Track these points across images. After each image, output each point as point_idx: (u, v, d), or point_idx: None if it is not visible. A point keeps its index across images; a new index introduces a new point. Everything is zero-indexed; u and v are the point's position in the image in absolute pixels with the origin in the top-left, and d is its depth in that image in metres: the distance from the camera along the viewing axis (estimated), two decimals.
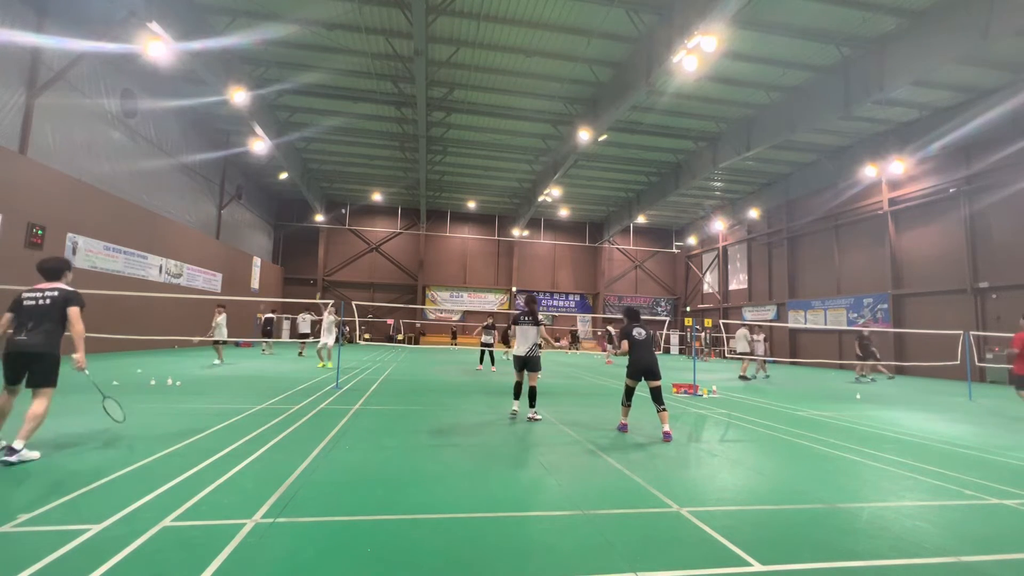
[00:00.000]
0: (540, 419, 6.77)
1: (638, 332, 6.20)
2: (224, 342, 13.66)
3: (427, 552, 2.70)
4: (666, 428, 5.79)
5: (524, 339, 6.73)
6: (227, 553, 2.57)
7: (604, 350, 26.27)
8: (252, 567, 2.46)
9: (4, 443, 4.13)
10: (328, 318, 13.32)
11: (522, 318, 6.83)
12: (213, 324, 13.68)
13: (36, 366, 4.13)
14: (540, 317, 6.93)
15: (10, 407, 4.19)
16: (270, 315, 19.45)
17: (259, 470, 4.04)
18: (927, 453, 5.63)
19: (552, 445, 5.38)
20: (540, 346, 6.79)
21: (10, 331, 4.20)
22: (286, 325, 31.59)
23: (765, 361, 16.22)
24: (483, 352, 14.89)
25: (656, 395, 6.00)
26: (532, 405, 6.82)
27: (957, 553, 2.91)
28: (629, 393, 6.20)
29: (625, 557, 2.70)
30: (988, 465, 5.16)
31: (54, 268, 4.40)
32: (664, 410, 5.91)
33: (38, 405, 4.09)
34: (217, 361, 13.63)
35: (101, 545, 2.60)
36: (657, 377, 6.00)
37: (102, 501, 3.22)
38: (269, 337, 19.04)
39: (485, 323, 15.00)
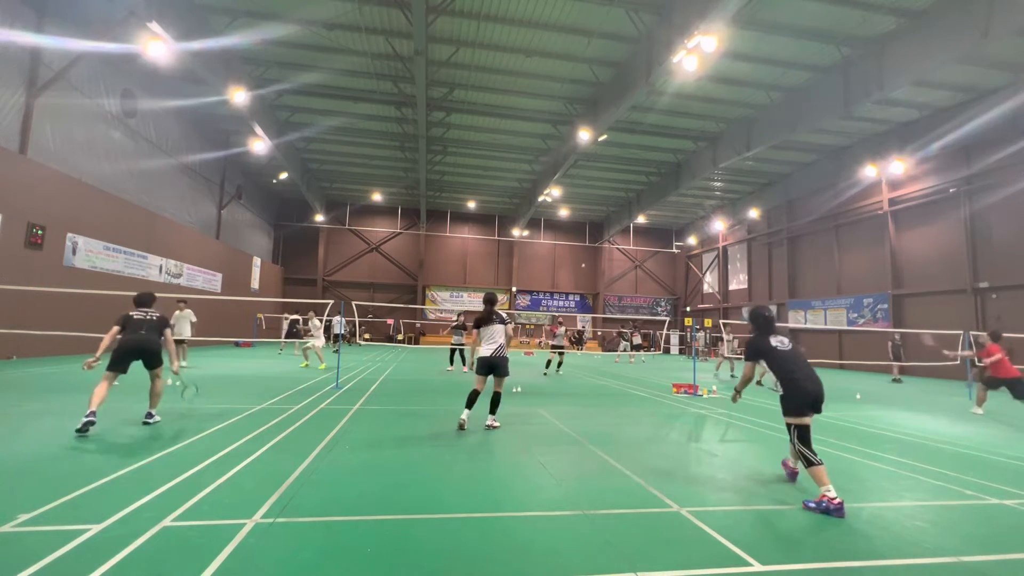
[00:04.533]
0: (499, 427, 6.11)
1: (780, 342, 4.19)
2: (186, 342, 12.43)
3: (427, 552, 2.70)
4: (791, 463, 4.31)
5: (488, 340, 6.05)
6: (227, 553, 2.57)
7: (615, 349, 26.43)
8: (252, 567, 2.46)
9: (153, 415, 5.79)
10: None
11: (487, 317, 6.12)
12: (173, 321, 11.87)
13: (151, 356, 5.76)
14: (504, 315, 6.26)
15: (107, 392, 5.35)
16: (295, 317, 19.60)
17: (259, 470, 4.04)
18: (927, 453, 5.63)
19: (552, 445, 5.38)
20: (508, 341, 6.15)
21: (124, 334, 5.66)
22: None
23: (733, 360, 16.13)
24: (453, 352, 14.73)
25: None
26: (493, 412, 6.12)
27: (957, 553, 2.91)
28: (806, 440, 3.81)
29: (625, 557, 2.70)
30: (988, 465, 5.16)
31: (149, 300, 6.11)
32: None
33: (158, 384, 5.84)
34: (184, 363, 12.28)
35: (101, 545, 2.60)
36: (820, 410, 3.93)
37: (102, 501, 3.22)
38: (297, 337, 19.09)
39: (454, 323, 14.89)
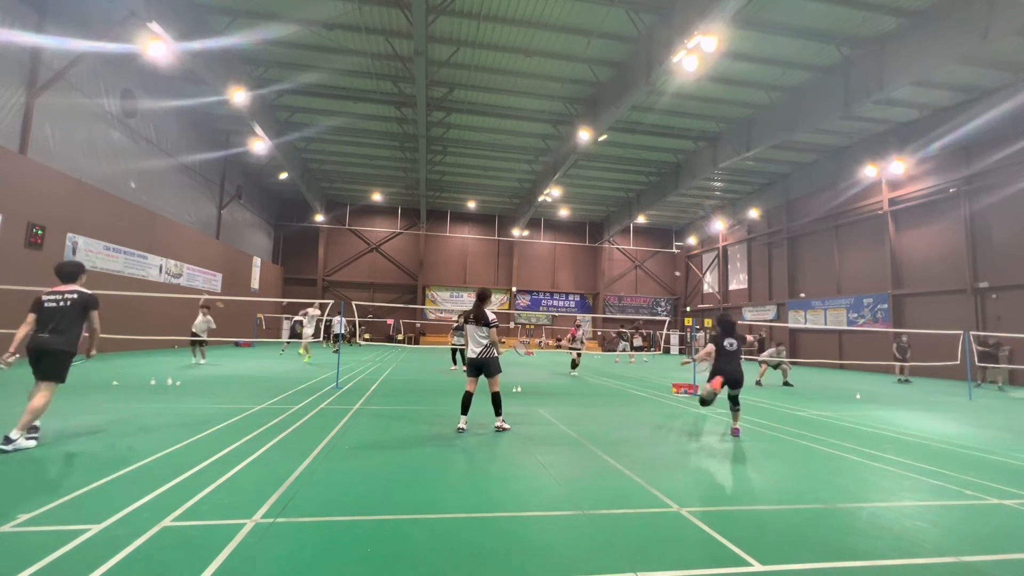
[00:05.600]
0: (509, 428, 5.97)
1: (729, 343, 6.31)
2: (205, 342, 13.64)
3: (427, 552, 2.70)
4: (736, 425, 6.28)
5: (474, 340, 5.92)
6: (227, 553, 2.57)
7: (614, 349, 26.73)
8: (252, 567, 2.46)
9: (13, 439, 4.31)
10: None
11: (470, 317, 5.98)
12: (206, 324, 13.55)
13: (48, 360, 4.53)
14: (492, 316, 5.98)
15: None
16: (298, 318, 19.68)
17: (259, 470, 4.04)
18: (927, 453, 5.63)
19: (552, 445, 5.38)
20: (495, 345, 5.95)
21: (33, 330, 4.59)
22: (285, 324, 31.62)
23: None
24: (454, 352, 14.87)
25: (734, 400, 6.33)
26: (498, 413, 5.99)
27: (957, 553, 2.91)
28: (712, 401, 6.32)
29: (625, 557, 2.70)
30: (988, 465, 5.16)
31: (71, 272, 4.85)
32: (738, 410, 6.35)
33: (40, 399, 4.47)
34: (203, 360, 13.54)
35: (101, 545, 2.60)
36: (739, 386, 6.29)
37: (102, 501, 3.22)
38: (300, 338, 19.12)
39: (455, 324, 14.98)
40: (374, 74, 17.77)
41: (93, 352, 5.03)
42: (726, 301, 32.69)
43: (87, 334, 4.90)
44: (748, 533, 3.09)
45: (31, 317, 4.55)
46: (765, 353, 14.01)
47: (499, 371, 5.98)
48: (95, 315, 4.82)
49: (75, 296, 4.69)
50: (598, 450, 5.18)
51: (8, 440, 4.21)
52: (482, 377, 5.98)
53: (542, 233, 37.22)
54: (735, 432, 6.18)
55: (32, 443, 4.42)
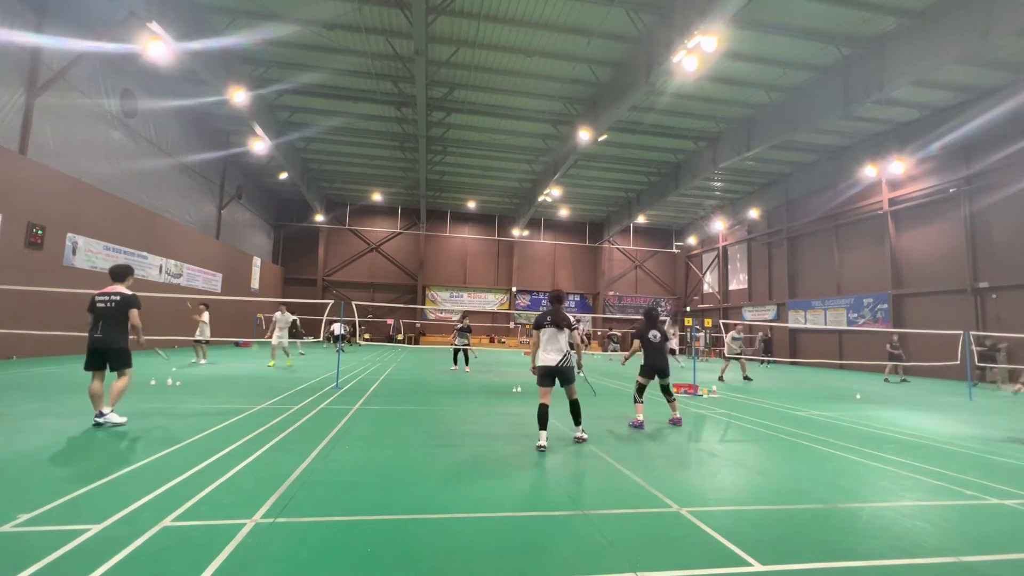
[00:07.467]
0: (587, 438, 5.58)
1: (653, 335, 6.71)
2: (208, 341, 13.82)
3: (427, 552, 2.70)
4: (676, 415, 6.72)
5: (552, 346, 5.38)
6: (227, 553, 2.56)
7: (608, 350, 26.85)
8: (252, 567, 2.45)
9: (105, 414, 5.25)
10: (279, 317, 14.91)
11: (547, 320, 5.46)
12: (201, 322, 13.66)
13: (110, 356, 5.34)
14: (572, 319, 5.55)
15: (100, 389, 5.34)
16: (294, 317, 19.68)
17: (259, 470, 4.04)
18: (927, 453, 5.63)
19: (552, 445, 5.37)
20: (576, 350, 5.63)
21: (90, 328, 5.35)
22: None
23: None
24: (456, 352, 14.84)
25: (665, 390, 6.81)
26: (577, 423, 5.55)
27: (957, 553, 2.91)
28: (641, 390, 6.67)
29: (625, 557, 2.70)
30: (988, 465, 5.16)
31: (119, 273, 5.59)
32: (673, 401, 6.79)
33: (121, 381, 5.43)
34: (203, 360, 13.66)
35: (101, 545, 2.60)
36: (666, 375, 6.73)
37: (102, 501, 3.22)
38: (298, 337, 19.14)
39: (459, 326, 15.00)
40: (374, 74, 17.76)
41: (141, 340, 5.65)
42: (726, 301, 32.70)
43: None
44: (748, 533, 3.09)
45: (90, 317, 5.29)
46: (728, 335, 13.84)
47: (574, 380, 5.56)
48: (134, 313, 5.46)
49: (118, 298, 5.37)
50: (598, 450, 5.18)
51: (101, 414, 5.15)
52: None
53: (542, 233, 37.22)
54: (676, 422, 6.65)
55: (123, 419, 5.34)
